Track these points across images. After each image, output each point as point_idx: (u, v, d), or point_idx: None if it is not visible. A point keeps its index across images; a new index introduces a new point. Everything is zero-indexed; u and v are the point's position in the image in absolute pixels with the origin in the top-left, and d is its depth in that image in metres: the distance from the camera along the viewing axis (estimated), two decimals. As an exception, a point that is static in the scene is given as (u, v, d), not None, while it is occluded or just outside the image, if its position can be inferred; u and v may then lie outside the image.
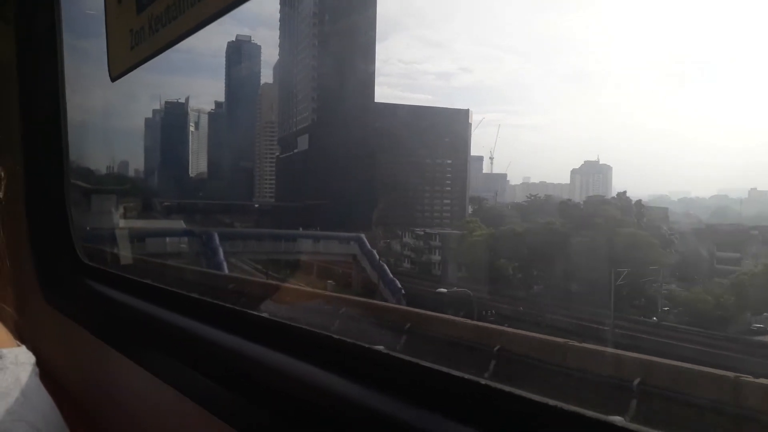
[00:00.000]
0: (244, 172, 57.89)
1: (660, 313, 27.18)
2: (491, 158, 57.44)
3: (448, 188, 49.12)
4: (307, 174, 49.67)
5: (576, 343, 11.48)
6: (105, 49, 2.11)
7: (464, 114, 51.85)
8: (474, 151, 53.70)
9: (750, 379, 8.64)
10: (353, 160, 47.57)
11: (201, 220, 41.96)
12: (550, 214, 37.06)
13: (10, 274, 1.14)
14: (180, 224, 34.92)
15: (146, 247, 27.23)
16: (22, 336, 1.15)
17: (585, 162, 57.09)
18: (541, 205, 40.96)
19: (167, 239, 30.03)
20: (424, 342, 12.70)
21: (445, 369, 1.12)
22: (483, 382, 1.05)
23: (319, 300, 16.27)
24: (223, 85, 63.18)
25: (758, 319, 24.20)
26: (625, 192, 36.82)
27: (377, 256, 32.93)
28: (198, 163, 62.14)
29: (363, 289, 30.55)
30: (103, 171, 33.54)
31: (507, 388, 1.01)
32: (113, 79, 2.08)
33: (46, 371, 1.10)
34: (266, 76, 62.78)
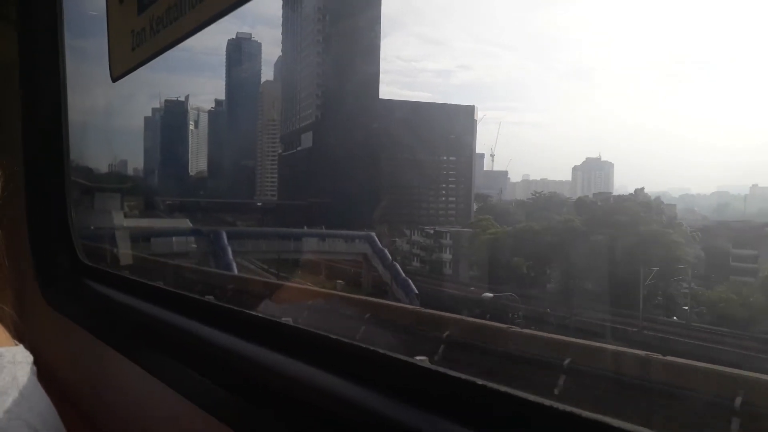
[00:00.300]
0: (245, 170, 57.79)
1: (686, 313, 26.09)
2: (492, 155, 57.38)
3: (453, 186, 48.90)
4: (310, 171, 49.38)
5: (659, 356, 9.99)
6: (106, 50, 2.11)
7: (469, 110, 51.64)
8: (476, 148, 53.72)
9: None
10: (357, 157, 47.32)
11: (202, 218, 41.47)
12: (555, 211, 36.67)
13: (9, 274, 1.15)
14: (185, 223, 34.33)
15: (151, 246, 26.92)
16: (20, 335, 1.15)
17: (586, 159, 57.04)
18: (545, 202, 40.73)
19: (173, 239, 29.49)
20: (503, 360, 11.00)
21: (443, 370, 1.12)
22: (481, 382, 1.04)
23: (345, 304, 15.01)
24: (223, 83, 63.22)
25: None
26: (642, 188, 36.24)
27: (389, 255, 32.21)
28: (198, 162, 62.20)
29: (374, 289, 29.76)
30: (103, 169, 33.46)
31: (505, 389, 1.01)
32: (114, 79, 2.08)
33: (44, 370, 1.10)
34: (267, 73, 62.73)
